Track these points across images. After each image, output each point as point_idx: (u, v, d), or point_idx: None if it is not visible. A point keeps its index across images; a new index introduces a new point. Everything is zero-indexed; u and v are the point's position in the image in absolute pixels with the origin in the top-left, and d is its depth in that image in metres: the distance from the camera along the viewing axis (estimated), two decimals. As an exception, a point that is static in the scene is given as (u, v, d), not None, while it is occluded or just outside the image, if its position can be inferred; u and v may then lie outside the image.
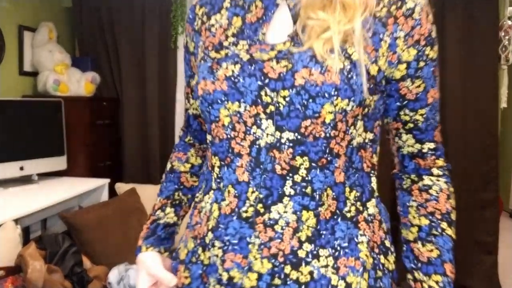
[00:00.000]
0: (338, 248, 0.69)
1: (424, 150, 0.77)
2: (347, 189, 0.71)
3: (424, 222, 0.76)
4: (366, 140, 0.73)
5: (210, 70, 0.73)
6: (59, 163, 2.83)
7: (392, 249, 0.78)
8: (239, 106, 0.69)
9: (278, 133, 0.67)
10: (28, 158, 2.62)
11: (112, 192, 2.91)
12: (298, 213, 0.68)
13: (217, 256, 0.69)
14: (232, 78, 0.70)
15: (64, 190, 2.57)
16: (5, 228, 1.87)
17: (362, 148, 0.73)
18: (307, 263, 0.67)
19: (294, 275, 0.67)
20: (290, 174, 0.68)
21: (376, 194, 0.76)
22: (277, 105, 0.67)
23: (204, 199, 0.76)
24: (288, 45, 0.69)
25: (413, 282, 0.75)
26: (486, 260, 3.11)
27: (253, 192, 0.68)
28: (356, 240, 0.70)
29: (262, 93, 0.68)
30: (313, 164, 0.68)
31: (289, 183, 0.68)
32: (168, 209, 0.89)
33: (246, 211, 0.68)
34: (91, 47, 3.43)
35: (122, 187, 2.90)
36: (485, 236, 3.11)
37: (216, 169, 0.73)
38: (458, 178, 2.92)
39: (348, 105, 0.66)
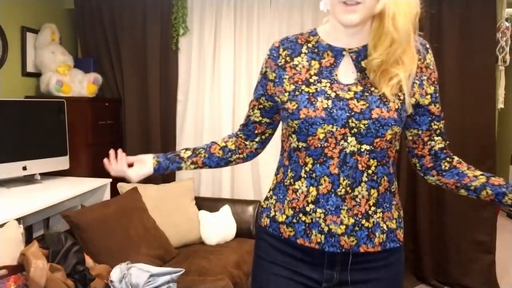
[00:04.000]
0: (385, 207, 1.16)
1: (447, 144, 1.24)
2: (394, 176, 1.19)
3: (480, 172, 1.18)
4: (397, 147, 1.19)
5: (309, 101, 1.10)
6: (62, 163, 2.86)
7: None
8: (332, 127, 1.09)
9: (358, 145, 1.09)
10: (31, 158, 2.66)
11: (114, 192, 2.94)
12: (369, 190, 1.12)
13: (319, 217, 1.12)
14: (328, 109, 1.09)
15: (66, 190, 2.61)
16: (8, 227, 1.89)
17: (396, 152, 1.19)
18: (372, 217, 1.13)
19: (365, 224, 1.13)
20: (366, 169, 1.11)
21: None
22: (359, 128, 1.08)
23: (297, 183, 1.15)
24: (359, 88, 1.11)
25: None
26: (483, 259, 3.13)
27: (343, 180, 1.11)
28: (393, 203, 1.18)
29: (350, 120, 1.08)
30: (379, 163, 1.12)
31: (365, 174, 1.11)
32: (188, 152, 1.34)
33: (340, 191, 1.11)
34: (93, 48, 3.46)
35: (124, 187, 2.93)
36: (482, 236, 3.13)
37: (309, 165, 1.13)
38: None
39: (398, 129, 1.12)
